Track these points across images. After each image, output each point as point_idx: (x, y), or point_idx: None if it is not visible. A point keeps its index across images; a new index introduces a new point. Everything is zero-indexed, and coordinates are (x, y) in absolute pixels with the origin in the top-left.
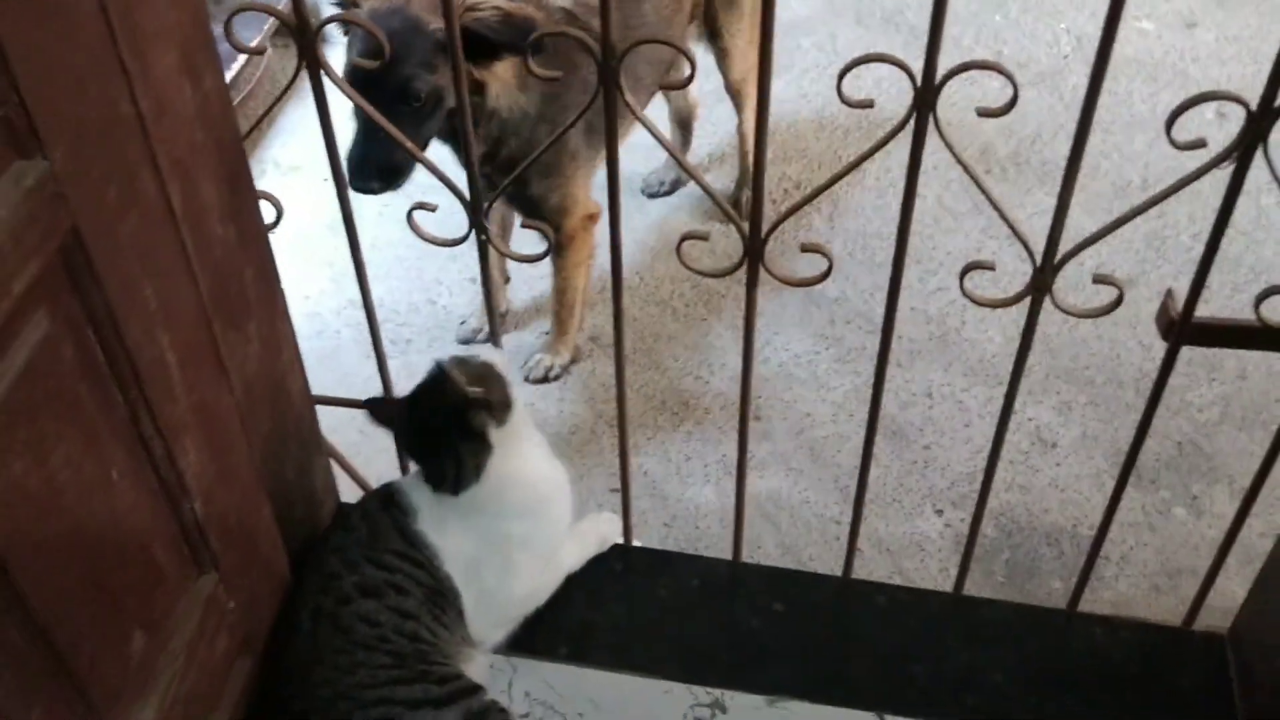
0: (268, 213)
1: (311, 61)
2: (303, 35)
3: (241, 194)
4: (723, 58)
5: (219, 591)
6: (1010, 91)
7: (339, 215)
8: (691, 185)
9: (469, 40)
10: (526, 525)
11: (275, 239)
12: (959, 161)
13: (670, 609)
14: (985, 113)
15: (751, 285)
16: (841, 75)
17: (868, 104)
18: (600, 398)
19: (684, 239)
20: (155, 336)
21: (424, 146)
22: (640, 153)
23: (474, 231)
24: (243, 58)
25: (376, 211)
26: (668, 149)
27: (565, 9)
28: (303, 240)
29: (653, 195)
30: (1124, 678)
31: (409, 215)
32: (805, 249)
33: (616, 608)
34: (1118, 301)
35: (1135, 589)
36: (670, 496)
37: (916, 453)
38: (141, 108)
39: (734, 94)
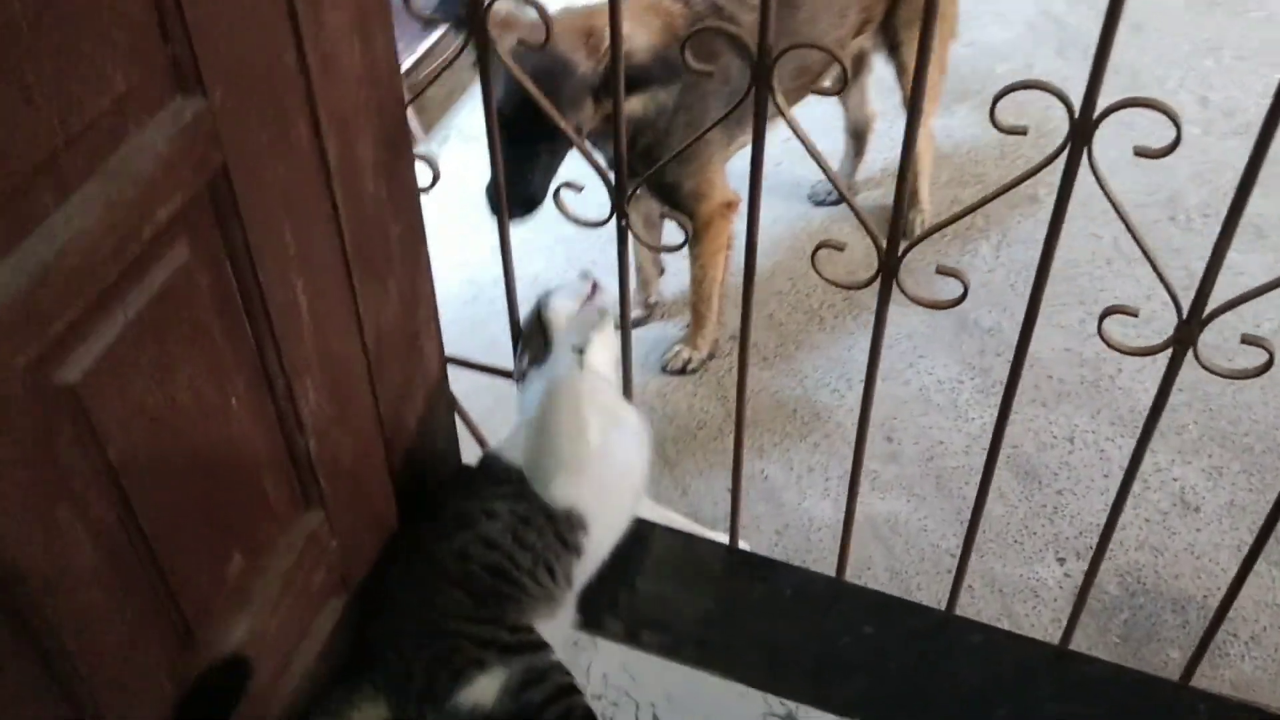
0: (424, 175)
1: (480, 38)
2: (474, 10)
3: (399, 154)
4: (902, 73)
5: (322, 529)
6: (1173, 133)
7: None
8: (863, 196)
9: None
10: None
11: (444, 204)
12: (1109, 198)
13: (760, 614)
14: (1142, 153)
15: (883, 302)
16: (996, 100)
17: (1020, 131)
18: (733, 397)
19: (819, 247)
20: (289, 279)
21: (559, 168)
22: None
23: (615, 216)
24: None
25: None
26: (811, 152)
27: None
28: (471, 208)
29: (819, 203)
30: None
31: (555, 194)
32: (941, 272)
33: (707, 604)
34: (1267, 365)
35: (1261, 672)
36: (787, 504)
37: (1048, 496)
38: (309, 60)
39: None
